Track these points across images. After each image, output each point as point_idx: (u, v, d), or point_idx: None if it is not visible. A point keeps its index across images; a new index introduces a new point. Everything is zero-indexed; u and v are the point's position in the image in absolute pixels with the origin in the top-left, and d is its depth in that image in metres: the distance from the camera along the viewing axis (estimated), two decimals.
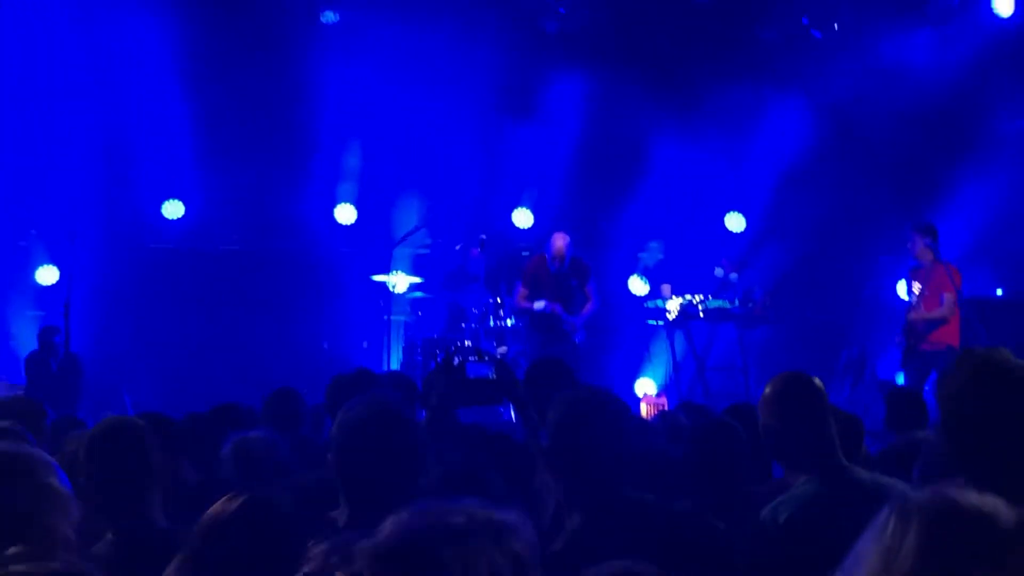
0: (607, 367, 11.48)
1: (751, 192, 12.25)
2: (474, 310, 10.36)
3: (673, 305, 10.98)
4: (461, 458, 3.67)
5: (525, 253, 11.68)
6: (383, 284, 10.83)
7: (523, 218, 12.33)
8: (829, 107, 11.68)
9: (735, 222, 12.47)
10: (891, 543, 1.65)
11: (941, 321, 9.14)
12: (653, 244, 12.63)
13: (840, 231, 12.20)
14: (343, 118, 11.73)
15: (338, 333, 11.97)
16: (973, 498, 1.68)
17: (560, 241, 10.16)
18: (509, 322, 10.28)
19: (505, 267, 11.02)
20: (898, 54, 11.65)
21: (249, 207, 12.00)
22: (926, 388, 8.22)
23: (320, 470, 3.56)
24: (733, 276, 11.31)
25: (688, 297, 11.00)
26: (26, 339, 11.01)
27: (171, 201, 11.89)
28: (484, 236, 10.62)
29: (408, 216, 11.89)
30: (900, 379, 9.59)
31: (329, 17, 11.70)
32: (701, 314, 10.98)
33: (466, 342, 9.90)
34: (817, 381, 3.51)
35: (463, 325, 10.36)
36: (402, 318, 11.46)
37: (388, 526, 1.75)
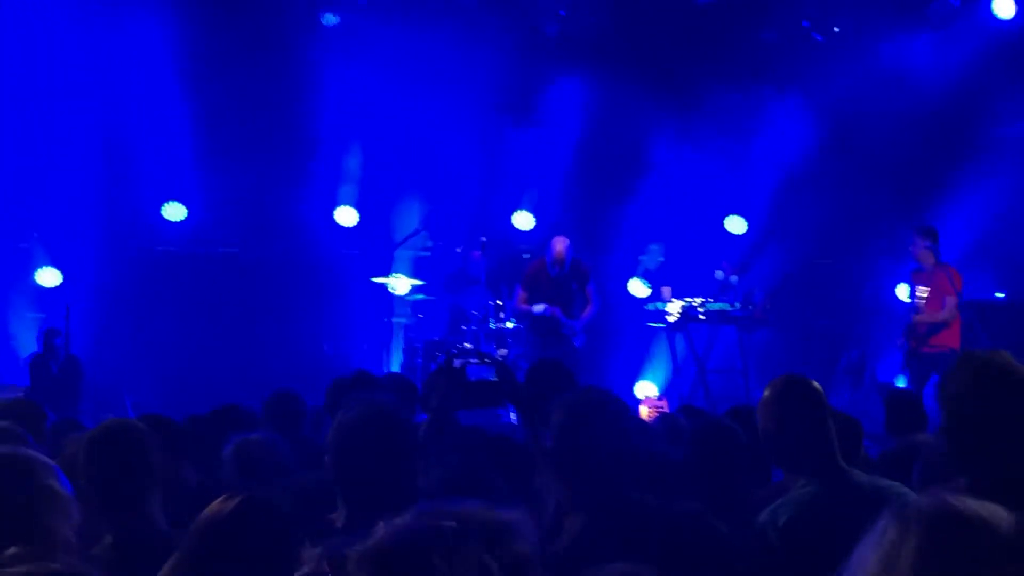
0: (608, 369, 11.48)
1: (752, 195, 12.25)
2: (475, 312, 10.36)
3: (674, 308, 10.98)
4: (462, 460, 3.67)
5: (526, 255, 11.69)
6: (384, 286, 10.83)
7: (524, 220, 12.34)
8: (830, 110, 11.68)
9: (735, 225, 12.47)
10: (890, 549, 1.66)
11: (943, 324, 9.16)
12: (654, 247, 12.63)
13: (840, 234, 12.21)
14: (344, 120, 11.74)
15: (339, 335, 11.97)
16: (972, 504, 1.68)
17: (560, 245, 10.17)
18: (510, 324, 10.29)
19: (506, 269, 11.03)
20: (899, 57, 11.66)
21: (250, 209, 12.00)
22: (927, 391, 8.23)
23: (320, 472, 3.56)
24: (734, 279, 11.31)
25: (689, 300, 11.01)
26: (27, 341, 11.02)
27: (172, 203, 11.90)
28: (485, 238, 10.63)
29: (409, 218, 11.90)
30: (901, 382, 9.59)
31: (330, 19, 11.70)
32: (702, 317, 10.99)
33: (467, 344, 9.92)
34: (815, 384, 3.52)
35: (464, 327, 10.37)
36: (403, 320, 11.47)
37: (380, 530, 1.76)
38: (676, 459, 4.22)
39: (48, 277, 11.55)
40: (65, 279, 11.41)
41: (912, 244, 9.38)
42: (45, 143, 11.37)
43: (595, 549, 2.89)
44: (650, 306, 11.37)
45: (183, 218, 11.94)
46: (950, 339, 9.13)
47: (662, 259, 12.60)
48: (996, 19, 11.16)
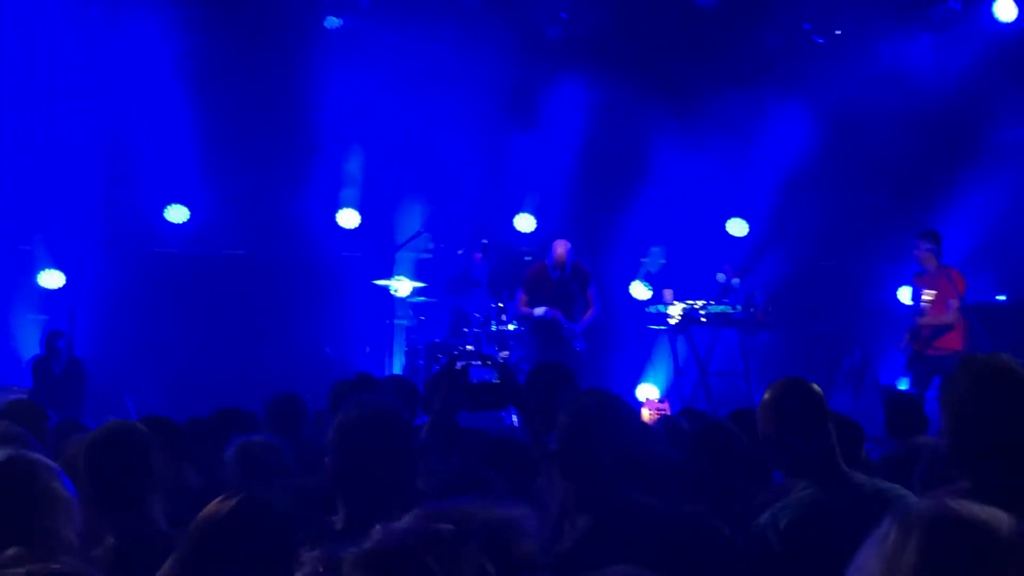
0: (609, 372, 11.48)
1: (753, 197, 12.25)
2: (476, 315, 10.37)
3: (675, 310, 10.99)
4: (463, 462, 3.67)
5: (527, 258, 11.70)
6: (386, 288, 10.84)
7: (525, 223, 12.34)
8: (831, 112, 11.68)
9: (737, 227, 12.48)
10: (892, 553, 1.66)
11: (947, 327, 9.16)
12: (655, 249, 12.64)
13: (842, 236, 12.20)
14: (346, 122, 11.75)
15: (341, 337, 11.98)
16: (973, 508, 1.68)
17: (561, 248, 10.17)
18: (511, 327, 10.30)
19: (507, 272, 11.04)
20: (900, 59, 11.66)
21: (252, 211, 12.01)
22: (931, 394, 8.23)
23: (321, 474, 3.57)
24: (735, 281, 11.31)
25: (690, 302, 11.01)
26: (30, 343, 11.03)
27: (174, 205, 11.91)
28: (486, 241, 10.64)
29: (411, 221, 11.90)
30: (903, 384, 9.59)
31: (332, 22, 11.71)
32: (703, 319, 10.99)
33: (468, 347, 9.93)
34: (815, 386, 3.52)
35: (465, 330, 10.38)
36: (404, 322, 11.47)
37: (377, 533, 1.76)
38: (677, 461, 4.22)
39: (51, 279, 11.57)
40: (68, 281, 11.43)
41: (915, 247, 9.39)
42: (48, 145, 11.38)
43: (600, 550, 2.90)
44: (651, 308, 11.38)
45: (185, 220, 11.96)
46: (954, 342, 9.14)
47: (663, 261, 12.60)
48: (997, 22, 11.17)
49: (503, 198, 12.31)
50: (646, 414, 10.24)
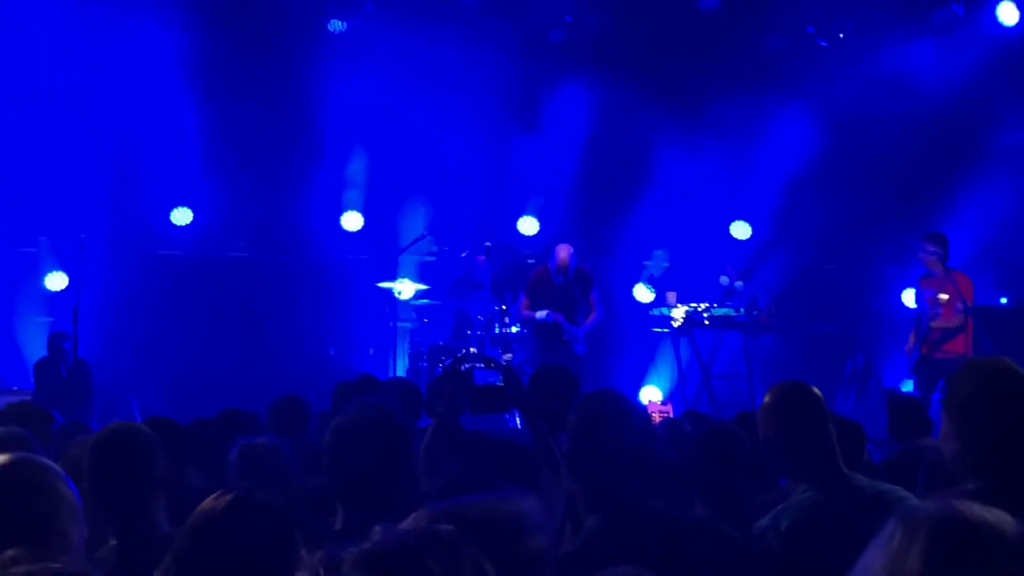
0: (612, 374, 11.48)
1: (756, 200, 12.25)
2: (479, 317, 10.37)
3: (678, 313, 10.99)
4: (466, 464, 3.68)
5: (531, 261, 11.70)
6: (389, 291, 10.84)
7: (528, 226, 12.35)
8: (834, 116, 11.68)
9: (740, 230, 12.48)
10: (897, 554, 1.67)
11: (956, 330, 9.16)
12: (658, 252, 12.64)
13: (845, 239, 12.20)
14: (350, 126, 11.76)
15: (344, 340, 11.99)
16: (978, 510, 1.69)
17: (563, 252, 10.17)
18: (514, 329, 10.30)
19: (511, 274, 11.05)
20: (903, 63, 11.65)
21: (256, 214, 12.03)
22: (936, 396, 8.23)
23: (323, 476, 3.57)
24: (738, 284, 11.31)
25: (693, 305, 11.01)
26: (35, 345, 11.04)
27: (179, 208, 11.93)
28: (489, 243, 10.64)
29: (414, 223, 11.91)
30: (907, 387, 9.58)
31: (336, 26, 11.72)
32: (706, 322, 10.99)
33: (471, 349, 9.93)
34: (815, 389, 3.52)
35: (468, 332, 10.38)
36: (408, 325, 11.48)
37: (377, 534, 1.77)
38: (680, 464, 4.22)
39: (56, 281, 11.58)
40: (72, 283, 11.44)
41: (920, 250, 9.37)
42: (53, 148, 11.41)
43: (607, 551, 2.90)
44: (655, 311, 11.38)
45: (189, 222, 11.97)
46: (961, 345, 9.13)
47: (667, 264, 12.61)
48: (1000, 26, 11.16)
49: (506, 201, 12.31)
50: None
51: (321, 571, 2.51)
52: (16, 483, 2.68)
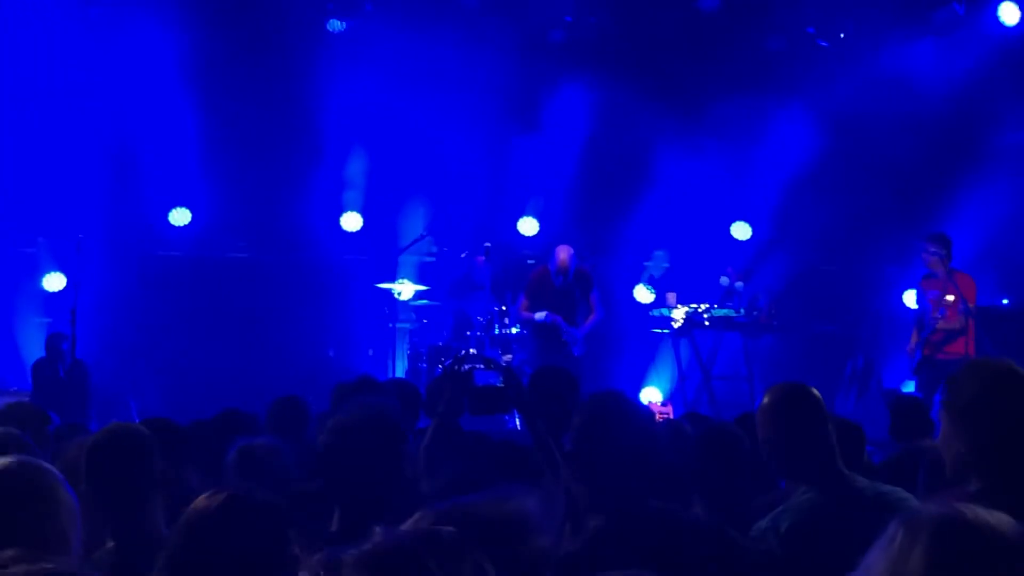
0: (612, 375, 11.48)
1: (756, 201, 12.25)
2: (479, 318, 10.37)
3: (678, 314, 10.99)
4: (466, 465, 3.67)
5: (530, 261, 11.70)
6: (388, 291, 10.84)
7: (528, 226, 12.35)
8: (834, 116, 11.68)
9: (740, 231, 12.48)
10: (899, 556, 1.67)
11: (959, 332, 9.15)
12: (659, 253, 12.64)
13: (845, 240, 12.20)
14: (349, 126, 11.76)
15: (344, 340, 11.99)
16: (980, 512, 1.69)
17: (563, 254, 10.17)
18: (514, 330, 10.29)
19: (510, 275, 11.04)
20: (903, 63, 11.65)
21: (255, 214, 12.02)
22: (937, 398, 8.20)
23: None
24: (738, 285, 11.31)
25: (693, 306, 11.01)
26: (33, 345, 11.03)
27: (178, 209, 11.92)
28: (489, 244, 10.64)
29: (414, 224, 11.90)
30: (910, 387, 9.57)
31: (336, 26, 11.72)
32: (706, 323, 10.99)
33: (471, 350, 9.92)
34: (814, 390, 3.52)
35: (468, 333, 10.37)
36: (407, 325, 11.48)
37: (378, 535, 1.76)
38: (680, 465, 4.21)
39: (54, 282, 11.57)
40: (70, 283, 11.43)
41: (922, 250, 9.36)
42: (51, 148, 11.40)
43: (610, 552, 2.89)
44: (655, 312, 11.38)
45: (188, 223, 11.97)
46: (964, 346, 9.12)
47: (667, 265, 12.61)
48: (1001, 26, 11.16)
49: (506, 201, 12.31)
50: None
51: (321, 572, 2.50)
52: (15, 486, 2.68)
